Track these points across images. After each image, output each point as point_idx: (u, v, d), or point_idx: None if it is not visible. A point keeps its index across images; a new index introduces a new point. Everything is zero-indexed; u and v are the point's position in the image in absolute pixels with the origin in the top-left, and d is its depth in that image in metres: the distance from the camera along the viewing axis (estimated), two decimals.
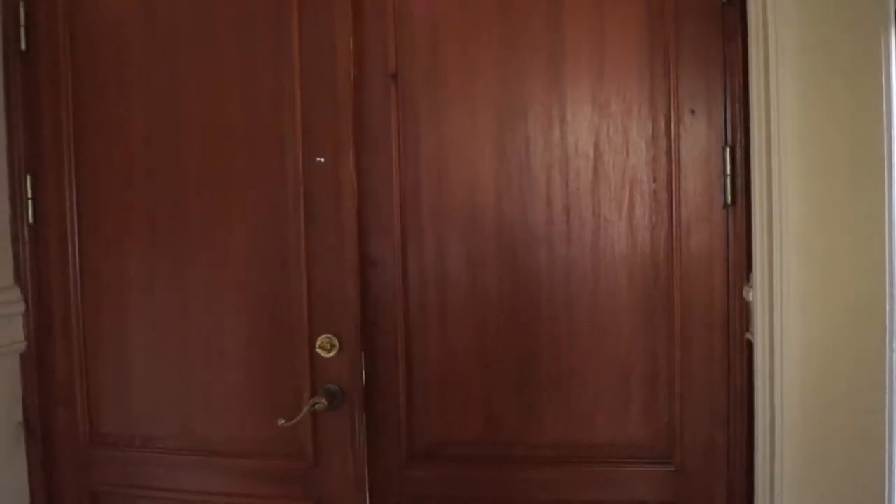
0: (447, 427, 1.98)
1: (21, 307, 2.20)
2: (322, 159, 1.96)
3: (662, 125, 1.86)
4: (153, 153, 2.11)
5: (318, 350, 1.97)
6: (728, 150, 1.83)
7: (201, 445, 2.13)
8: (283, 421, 1.91)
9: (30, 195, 2.20)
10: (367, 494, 2.02)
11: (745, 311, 1.82)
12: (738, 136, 1.81)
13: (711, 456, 1.88)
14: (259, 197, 2.03)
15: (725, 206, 1.84)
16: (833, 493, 1.63)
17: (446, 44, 1.95)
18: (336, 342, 1.96)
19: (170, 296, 2.12)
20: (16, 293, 2.19)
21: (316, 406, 1.94)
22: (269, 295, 2.04)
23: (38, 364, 2.24)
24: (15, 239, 2.20)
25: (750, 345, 1.79)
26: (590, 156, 1.89)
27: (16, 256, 2.21)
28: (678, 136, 1.85)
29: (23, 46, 2.19)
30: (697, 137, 1.85)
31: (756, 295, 1.71)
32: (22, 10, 2.19)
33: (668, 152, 1.86)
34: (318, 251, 1.98)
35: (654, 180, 1.87)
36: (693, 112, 1.85)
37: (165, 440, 2.16)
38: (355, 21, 1.95)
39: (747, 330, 1.81)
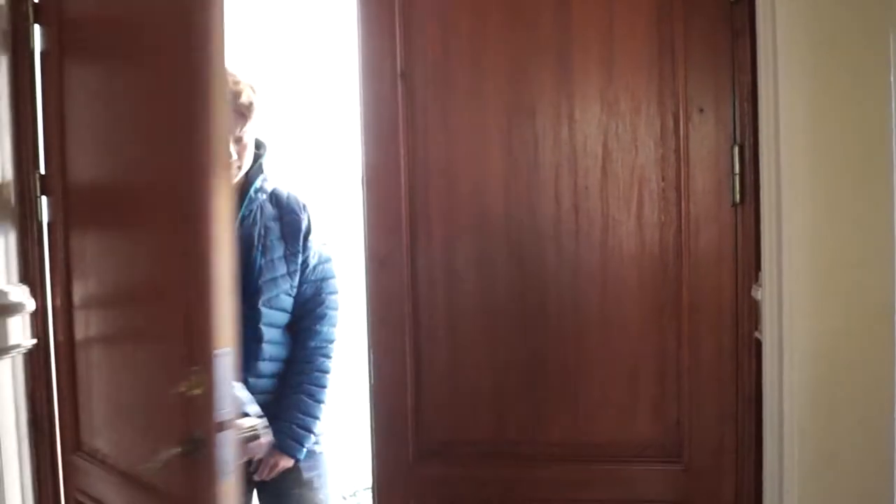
0: (455, 425, 1.98)
1: (32, 305, 2.20)
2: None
3: (671, 124, 1.86)
4: None
5: (184, 387, 1.61)
6: (737, 148, 1.82)
7: (124, 468, 1.99)
8: (148, 465, 1.68)
9: (38, 193, 2.21)
10: (376, 492, 2.03)
11: (754, 309, 1.81)
12: (747, 135, 1.81)
13: (720, 455, 1.88)
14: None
15: (734, 204, 1.84)
16: (842, 492, 1.63)
17: (455, 42, 1.95)
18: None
19: (114, 310, 2.06)
20: (25, 292, 2.20)
21: (163, 455, 1.64)
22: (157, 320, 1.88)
23: (44, 364, 2.24)
24: (24, 237, 2.20)
25: (759, 343, 1.78)
26: (598, 154, 1.89)
27: (24, 254, 2.21)
28: (687, 134, 1.85)
29: (32, 46, 2.20)
30: (706, 136, 1.85)
31: (765, 294, 1.71)
32: (31, 9, 2.20)
33: (677, 151, 1.86)
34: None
35: (663, 179, 1.87)
36: (702, 111, 1.84)
37: (106, 456, 2.08)
38: (362, 19, 1.96)
39: (756, 329, 1.81)
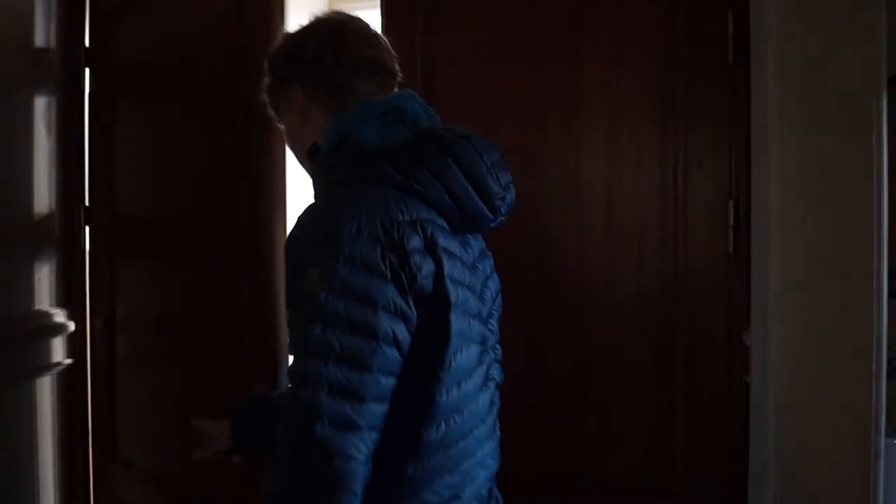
0: None
1: (69, 328, 2.36)
2: None
3: (671, 176, 1.97)
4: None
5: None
6: (732, 201, 1.93)
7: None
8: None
9: (83, 224, 2.38)
10: None
11: (745, 354, 1.90)
12: (742, 189, 1.91)
13: (710, 491, 1.96)
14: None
15: (729, 254, 1.94)
16: None
17: (471, 91, 2.07)
18: None
19: (206, 321, 2.25)
20: (65, 315, 2.36)
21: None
22: None
23: (80, 383, 2.40)
24: (69, 264, 2.37)
25: (748, 387, 1.87)
26: (602, 203, 2.01)
27: (67, 280, 2.38)
28: (685, 187, 1.96)
29: (82, 87, 2.38)
30: (704, 189, 1.95)
31: (753, 340, 1.81)
32: (82, 54, 2.38)
33: (676, 202, 1.97)
34: None
35: (663, 228, 1.98)
36: (700, 165, 1.95)
37: (163, 467, 2.27)
38: None
39: (747, 373, 1.90)
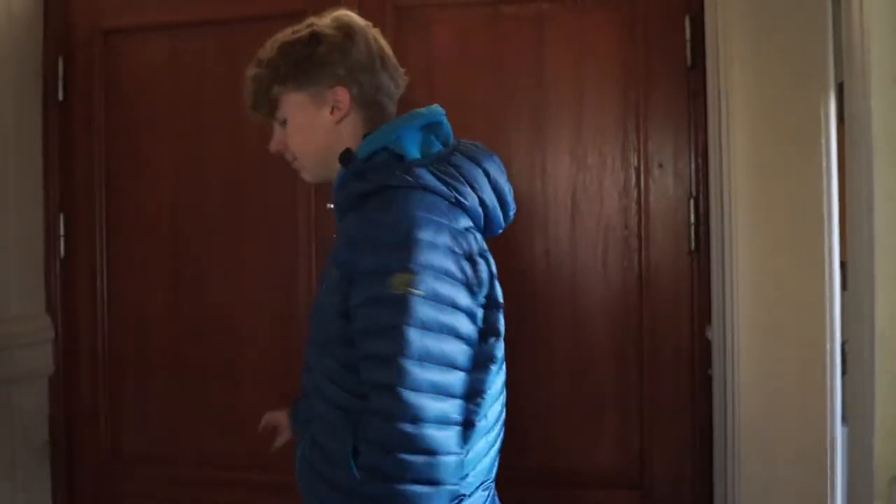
0: None
1: (51, 334, 2.40)
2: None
3: (633, 177, 2.04)
4: (179, 196, 2.34)
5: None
6: (692, 201, 1.99)
7: (218, 461, 2.31)
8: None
9: (62, 232, 2.42)
10: None
11: (707, 348, 1.97)
12: (701, 188, 1.98)
13: (678, 483, 2.03)
14: (270, 238, 2.26)
15: (690, 252, 2.00)
16: None
17: (441, 99, 2.12)
18: None
19: (190, 323, 2.34)
20: (46, 321, 2.40)
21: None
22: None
23: (64, 386, 2.43)
24: (47, 272, 2.41)
25: (711, 379, 1.94)
26: (568, 204, 2.07)
27: (47, 288, 2.42)
28: (647, 187, 2.03)
29: (60, 97, 2.42)
30: (665, 189, 2.02)
31: (714, 334, 1.87)
32: (61, 64, 2.42)
33: (639, 202, 2.03)
34: None
35: (626, 227, 2.04)
36: (661, 166, 2.02)
37: (183, 456, 2.35)
38: None
39: (709, 366, 1.96)
